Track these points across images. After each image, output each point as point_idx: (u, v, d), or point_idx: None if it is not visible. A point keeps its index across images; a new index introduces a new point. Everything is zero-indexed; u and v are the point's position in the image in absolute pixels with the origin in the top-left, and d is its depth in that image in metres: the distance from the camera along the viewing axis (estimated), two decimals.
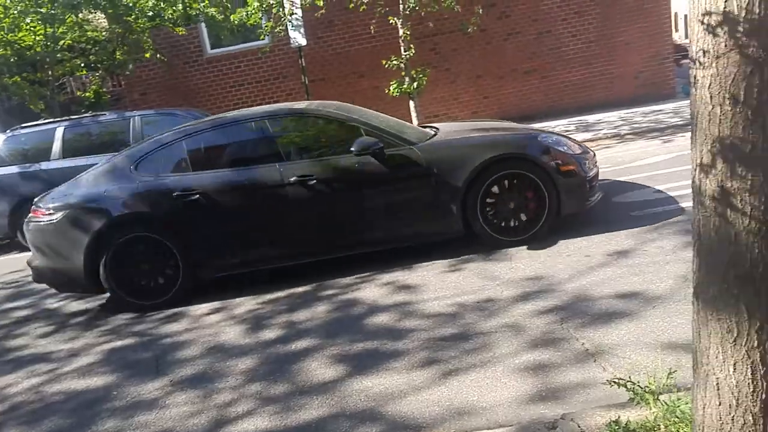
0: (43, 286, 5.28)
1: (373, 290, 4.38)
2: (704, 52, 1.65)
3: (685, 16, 3.42)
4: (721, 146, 1.65)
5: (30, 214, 4.90)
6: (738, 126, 1.61)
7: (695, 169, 1.77)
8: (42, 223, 4.71)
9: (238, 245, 4.74)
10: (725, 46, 1.59)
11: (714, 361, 1.79)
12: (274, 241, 4.78)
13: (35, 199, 5.01)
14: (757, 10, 1.54)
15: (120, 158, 4.93)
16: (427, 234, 4.77)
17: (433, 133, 5.12)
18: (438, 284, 4.27)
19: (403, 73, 9.72)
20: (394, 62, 9.50)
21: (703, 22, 1.63)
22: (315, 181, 4.56)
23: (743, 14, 1.54)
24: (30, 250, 5.08)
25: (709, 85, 1.64)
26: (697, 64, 1.68)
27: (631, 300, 3.50)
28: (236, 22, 10.18)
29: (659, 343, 2.96)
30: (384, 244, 4.80)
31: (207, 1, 10.55)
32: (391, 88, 9.57)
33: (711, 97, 1.65)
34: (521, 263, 4.42)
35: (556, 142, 4.82)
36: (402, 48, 9.60)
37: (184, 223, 4.62)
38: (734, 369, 1.74)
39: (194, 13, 10.49)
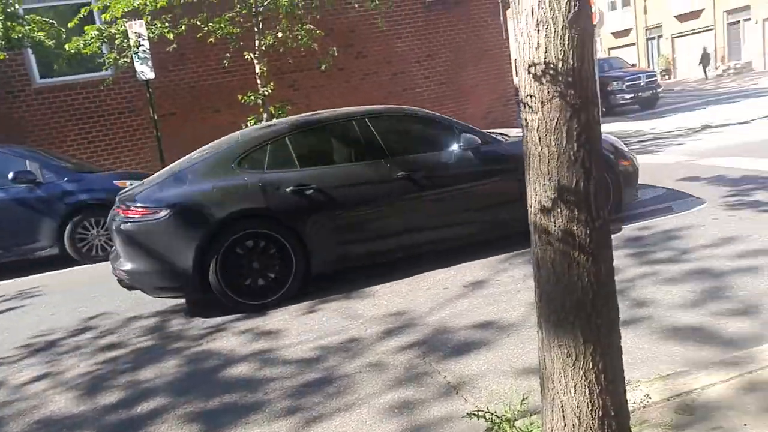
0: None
1: (230, 340, 4.14)
2: (531, 98, 1.81)
3: None
4: (552, 184, 1.81)
5: (119, 213, 4.59)
6: (564, 165, 1.78)
7: (531, 206, 1.92)
8: (141, 222, 4.43)
9: (351, 239, 4.81)
10: (548, 93, 1.76)
11: (558, 385, 1.92)
12: (382, 234, 4.90)
13: (120, 197, 4.79)
14: (571, 62, 1.73)
15: (215, 156, 4.84)
16: (509, 221, 4.97)
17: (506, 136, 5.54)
18: (299, 328, 4.15)
19: (261, 109, 9.60)
20: (252, 97, 9.37)
21: (528, 71, 1.79)
22: (421, 175, 4.84)
23: (560, 65, 1.72)
24: None
25: (537, 128, 1.80)
26: (526, 108, 1.84)
27: (488, 329, 3.69)
28: (72, 50, 9.33)
29: (515, 370, 3.13)
30: (478, 235, 5.19)
31: (33, 25, 9.53)
32: (249, 124, 9.39)
33: (539, 139, 1.80)
34: (384, 299, 4.48)
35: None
36: (259, 83, 9.51)
37: (298, 217, 4.58)
38: (575, 391, 1.87)
39: (17, 36, 9.39)
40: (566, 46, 1.70)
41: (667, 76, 34.58)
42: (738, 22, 30.17)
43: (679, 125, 13.01)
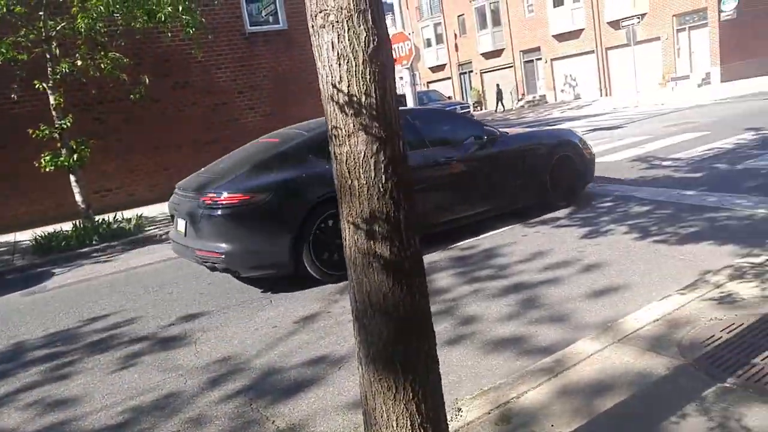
0: None
1: (14, 416, 3.48)
2: (337, 130, 1.77)
3: None
4: (364, 216, 1.78)
5: (212, 201, 4.92)
6: (374, 198, 1.76)
7: (345, 239, 1.86)
8: (239, 207, 4.86)
9: (429, 210, 5.73)
10: (354, 125, 1.73)
11: (381, 420, 1.86)
12: (436, 207, 5.88)
13: (207, 187, 5.13)
14: (374, 96, 1.73)
15: (291, 148, 5.46)
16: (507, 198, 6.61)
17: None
18: (105, 390, 3.64)
19: (59, 144, 8.56)
20: (46, 132, 8.31)
21: (333, 104, 1.76)
22: (459, 158, 6.18)
23: (364, 98, 1.72)
24: None
25: (346, 160, 1.76)
26: (334, 140, 1.79)
27: (319, 365, 3.58)
28: None
29: (346, 404, 3.05)
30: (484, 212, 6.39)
31: None
32: (44, 161, 8.30)
33: (349, 172, 1.77)
34: (206, 346, 4.14)
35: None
36: (54, 116, 8.49)
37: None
38: (397, 424, 1.83)
39: None
40: (368, 80, 1.71)
41: (479, 107, 38.47)
42: (532, 61, 34.83)
43: None
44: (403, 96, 13.06)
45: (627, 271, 4.52)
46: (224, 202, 4.89)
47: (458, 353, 3.49)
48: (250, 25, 13.14)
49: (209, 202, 4.95)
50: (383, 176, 1.75)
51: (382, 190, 1.75)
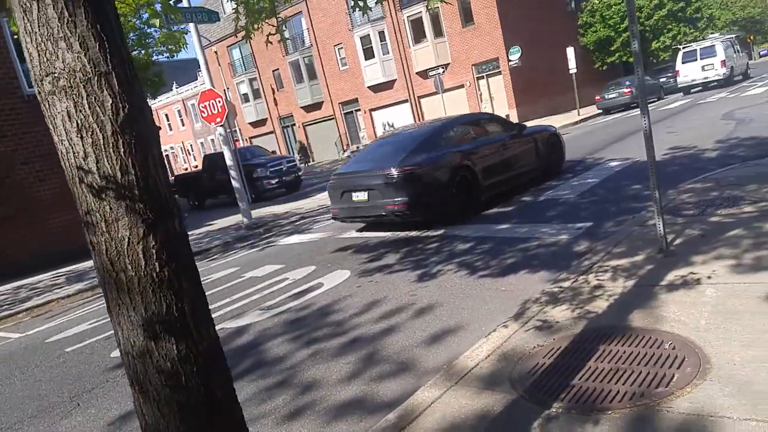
0: None
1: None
2: (92, 215, 1.54)
3: None
4: (138, 314, 1.56)
5: (396, 173, 8.01)
6: (148, 290, 1.56)
7: (120, 344, 1.64)
8: (411, 175, 7.98)
9: (488, 178, 8.91)
10: (111, 209, 1.52)
11: None
12: (496, 175, 9.14)
13: (384, 168, 8.23)
14: (134, 172, 1.52)
15: (426, 138, 8.82)
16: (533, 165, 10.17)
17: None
18: None
19: None
20: None
21: (81, 183, 1.53)
22: (507, 142, 9.57)
23: (120, 176, 1.51)
24: None
25: (107, 251, 1.53)
26: (90, 228, 1.55)
27: None
28: None
29: None
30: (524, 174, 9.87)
31: None
32: None
33: (112, 264, 1.54)
34: None
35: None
36: None
37: (476, 168, 8.68)
38: None
39: None
40: (122, 154, 1.51)
41: (306, 160, 39.13)
42: (352, 112, 36.60)
43: (322, 204, 14.60)
44: (221, 154, 12.74)
45: (458, 310, 4.76)
46: (403, 173, 7.97)
47: (299, 427, 3.33)
48: (29, 87, 11.90)
49: (394, 174, 8.02)
50: (156, 264, 1.56)
51: (156, 279, 1.56)
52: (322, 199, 15.59)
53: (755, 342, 3.05)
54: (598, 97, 26.24)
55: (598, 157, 12.00)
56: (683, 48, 28.14)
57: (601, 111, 26.14)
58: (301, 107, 38.39)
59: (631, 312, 3.75)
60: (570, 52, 26.38)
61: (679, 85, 27.54)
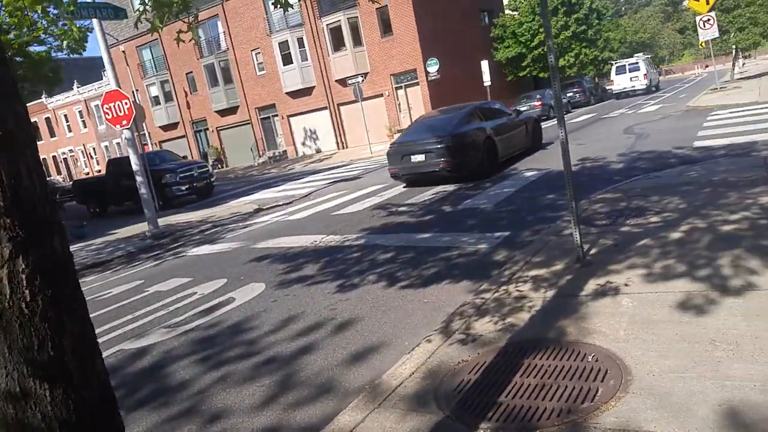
0: None
1: None
2: None
3: None
4: (1, 350, 1.26)
5: (447, 139, 11.26)
6: (14, 324, 1.25)
7: None
8: (458, 140, 11.19)
9: (502, 146, 12.40)
10: None
11: None
12: (508, 146, 12.85)
13: (437, 135, 11.48)
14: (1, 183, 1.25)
15: (457, 118, 12.12)
16: (526, 140, 14.15)
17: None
18: None
19: None
20: None
21: None
22: (510, 123, 13.40)
23: None
24: None
25: None
26: None
27: None
28: None
29: None
30: (520, 147, 13.77)
31: None
32: None
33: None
34: None
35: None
36: None
37: (496, 137, 12.09)
38: None
39: None
40: None
41: (219, 165, 37.83)
42: (269, 117, 35.79)
43: (235, 211, 14.03)
44: (127, 158, 11.92)
45: (380, 324, 4.58)
46: (453, 140, 11.04)
47: None
48: None
49: (448, 140, 11.06)
50: (27, 292, 1.27)
51: (26, 311, 1.27)
52: (236, 206, 15.01)
53: (670, 351, 3.08)
54: (511, 109, 27.20)
55: (514, 167, 12.32)
56: (615, 63, 34.43)
57: None
58: (216, 111, 37.11)
59: (554, 324, 3.72)
60: (485, 65, 27.23)
61: (614, 92, 33.68)
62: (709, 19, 21.19)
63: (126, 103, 10.91)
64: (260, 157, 35.50)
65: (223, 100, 36.25)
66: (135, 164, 11.25)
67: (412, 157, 11.61)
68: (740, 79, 28.63)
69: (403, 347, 4.05)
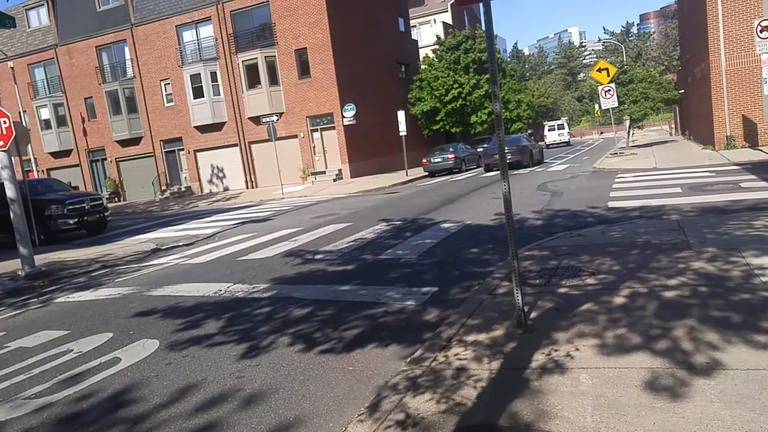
0: None
1: None
2: None
3: None
4: None
5: (521, 145, 25.75)
6: None
7: None
8: (523, 148, 25.14)
9: (533, 156, 26.76)
10: None
11: None
12: (532, 155, 26.92)
13: (514, 145, 25.29)
14: None
15: (519, 138, 27.10)
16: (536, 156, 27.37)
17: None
18: None
19: None
20: None
21: None
22: (530, 144, 28.49)
23: None
24: None
25: None
26: None
27: None
28: None
29: None
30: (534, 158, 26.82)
31: None
32: None
33: None
34: None
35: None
36: None
37: (532, 150, 26.49)
38: None
39: None
40: None
41: (116, 199, 35.24)
42: (174, 151, 33.99)
43: (130, 251, 12.68)
44: (2, 185, 10.45)
45: (297, 398, 3.86)
46: (521, 145, 25.16)
47: None
48: None
49: (520, 146, 24.91)
50: None
51: None
52: (131, 244, 13.63)
53: None
54: (425, 160, 27.57)
55: (432, 218, 12.06)
56: (547, 123, 53.94)
57: (427, 173, 27.41)
58: (117, 141, 34.76)
59: (506, 404, 3.21)
60: (401, 115, 27.53)
61: (547, 143, 47.82)
62: (609, 89, 22.74)
63: (5, 122, 9.57)
64: (162, 192, 33.47)
65: (125, 129, 34.11)
66: (10, 191, 9.81)
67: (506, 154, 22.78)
68: (633, 146, 30.97)
69: (326, 429, 3.37)
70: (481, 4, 4.37)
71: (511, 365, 3.76)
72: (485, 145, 27.43)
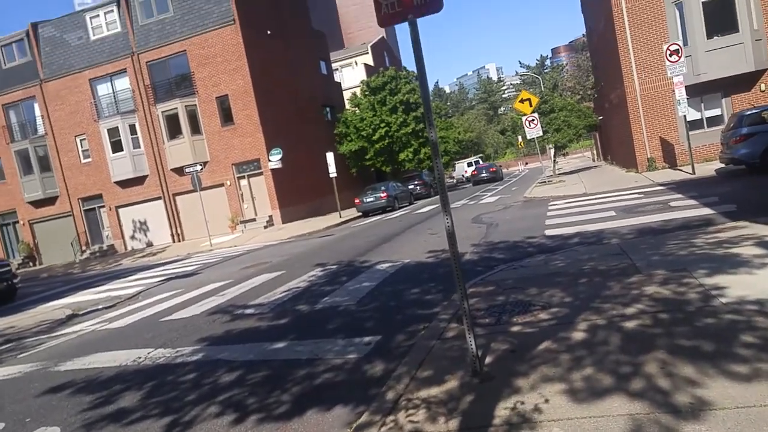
0: None
1: None
2: None
3: None
4: None
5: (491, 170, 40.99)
6: None
7: None
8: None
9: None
10: None
11: None
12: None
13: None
14: None
15: (489, 165, 45.61)
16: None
17: None
18: None
19: None
20: None
21: None
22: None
23: None
24: None
25: None
26: None
27: None
28: None
29: None
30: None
31: None
32: None
33: None
34: None
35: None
36: None
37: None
38: None
39: None
40: None
41: (31, 264, 32.68)
42: (94, 209, 32.07)
43: (42, 319, 11.41)
44: None
45: None
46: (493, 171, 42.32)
47: None
48: None
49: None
50: None
51: None
52: (44, 312, 12.30)
53: None
54: (357, 201, 27.20)
55: (367, 259, 11.56)
56: (467, 161, 54.63)
57: (360, 213, 27.02)
58: (29, 202, 32.44)
59: None
60: (330, 157, 27.19)
61: (456, 180, 52.51)
62: (533, 119, 23.33)
63: None
64: (83, 252, 31.32)
65: (38, 189, 31.94)
66: None
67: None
68: (560, 174, 31.95)
69: None
70: (407, 23, 4.03)
71: (472, 424, 3.27)
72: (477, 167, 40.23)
